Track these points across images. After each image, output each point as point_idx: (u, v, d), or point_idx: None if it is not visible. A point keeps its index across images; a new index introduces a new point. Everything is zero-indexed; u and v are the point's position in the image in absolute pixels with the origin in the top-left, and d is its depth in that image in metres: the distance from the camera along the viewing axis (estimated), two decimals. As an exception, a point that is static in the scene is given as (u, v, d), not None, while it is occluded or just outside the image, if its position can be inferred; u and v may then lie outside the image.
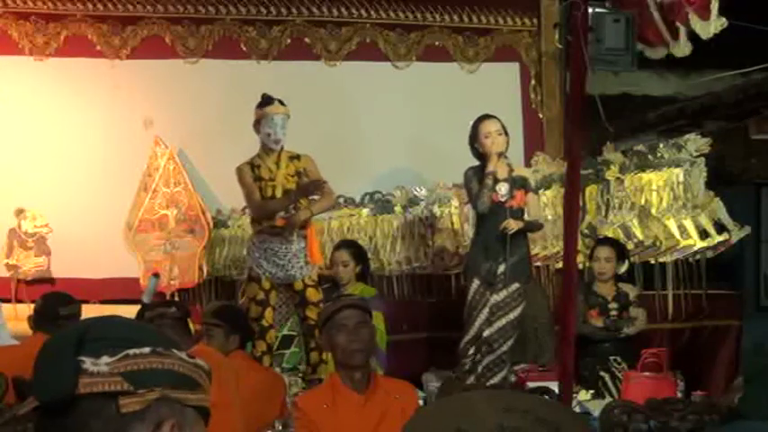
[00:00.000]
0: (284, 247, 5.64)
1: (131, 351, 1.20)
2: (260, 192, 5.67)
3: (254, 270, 5.70)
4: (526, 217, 5.45)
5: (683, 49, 4.52)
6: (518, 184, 5.40)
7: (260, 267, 5.67)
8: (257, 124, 5.71)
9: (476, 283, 5.34)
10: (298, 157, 5.77)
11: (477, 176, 5.33)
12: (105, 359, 1.19)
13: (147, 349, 1.21)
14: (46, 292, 5.36)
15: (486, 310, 5.30)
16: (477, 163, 5.46)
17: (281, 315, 5.97)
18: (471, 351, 5.34)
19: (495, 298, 5.30)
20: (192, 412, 1.25)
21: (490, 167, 5.28)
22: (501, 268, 5.29)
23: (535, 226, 5.54)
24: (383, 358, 5.67)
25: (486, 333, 5.29)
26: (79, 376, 1.17)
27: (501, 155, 5.35)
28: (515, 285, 5.32)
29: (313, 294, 5.70)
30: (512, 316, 5.32)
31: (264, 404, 4.17)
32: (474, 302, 5.33)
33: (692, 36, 4.39)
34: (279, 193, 5.66)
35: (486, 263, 5.32)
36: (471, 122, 5.50)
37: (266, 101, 5.73)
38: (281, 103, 5.73)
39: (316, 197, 5.74)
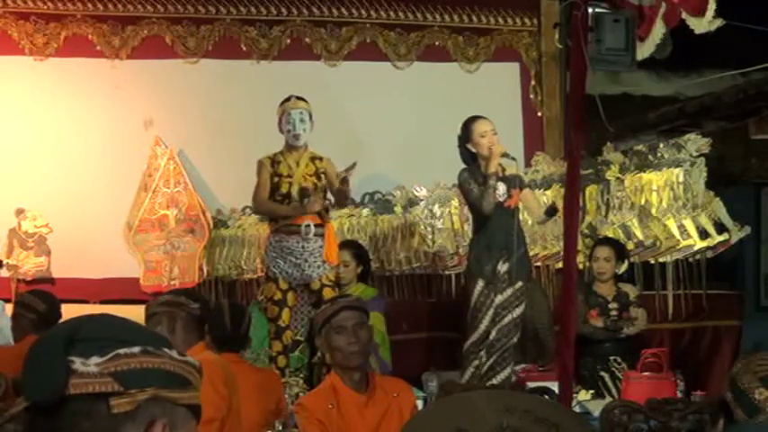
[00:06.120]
0: (301, 246, 5.62)
1: (121, 351, 1.19)
2: (276, 187, 5.64)
3: (271, 270, 5.68)
4: (526, 214, 5.40)
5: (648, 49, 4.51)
6: (513, 183, 5.32)
7: (276, 267, 5.65)
8: (280, 123, 5.71)
9: (480, 284, 5.23)
10: (320, 158, 5.77)
11: (474, 177, 5.19)
12: (95, 359, 1.18)
13: (137, 348, 1.20)
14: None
15: (491, 311, 5.20)
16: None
17: (300, 316, 5.95)
18: (479, 353, 5.25)
19: (500, 298, 5.22)
20: (184, 411, 1.24)
21: (492, 168, 5.14)
22: (505, 267, 5.24)
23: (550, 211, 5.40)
24: (384, 364, 5.64)
25: (492, 334, 5.22)
26: (69, 377, 1.17)
27: (504, 155, 5.26)
28: (519, 284, 5.27)
29: (329, 294, 5.64)
30: (515, 314, 5.25)
31: (262, 403, 4.17)
32: (479, 304, 5.22)
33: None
34: (294, 191, 5.63)
35: (490, 263, 5.26)
36: (462, 124, 5.33)
37: (286, 99, 5.74)
38: (300, 98, 5.72)
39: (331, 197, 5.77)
